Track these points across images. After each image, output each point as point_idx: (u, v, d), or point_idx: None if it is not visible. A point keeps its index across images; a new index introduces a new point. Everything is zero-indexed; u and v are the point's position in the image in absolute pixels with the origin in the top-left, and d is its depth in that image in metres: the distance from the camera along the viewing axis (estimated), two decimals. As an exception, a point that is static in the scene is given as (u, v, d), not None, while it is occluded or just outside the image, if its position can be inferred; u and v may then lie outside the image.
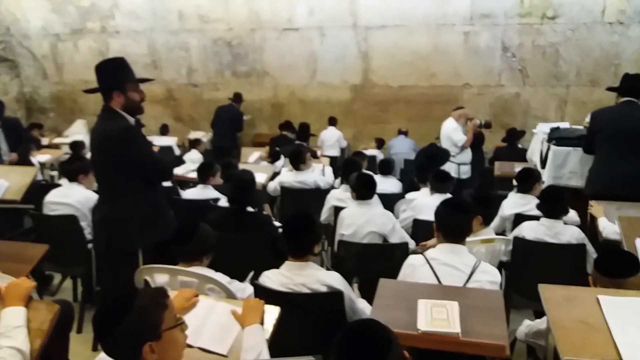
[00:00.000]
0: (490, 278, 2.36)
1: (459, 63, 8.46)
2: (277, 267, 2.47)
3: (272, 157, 6.57)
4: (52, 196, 3.94)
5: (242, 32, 9.03)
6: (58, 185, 4.36)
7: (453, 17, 8.18)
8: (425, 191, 4.37)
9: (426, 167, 4.63)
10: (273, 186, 5.25)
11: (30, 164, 5.94)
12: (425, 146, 6.72)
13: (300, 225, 2.42)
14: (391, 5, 8.27)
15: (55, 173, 7.02)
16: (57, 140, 8.98)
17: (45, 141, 8.73)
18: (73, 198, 3.86)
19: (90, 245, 3.73)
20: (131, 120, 2.90)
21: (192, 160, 6.92)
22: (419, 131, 8.54)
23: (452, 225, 2.49)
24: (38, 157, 6.81)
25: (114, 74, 2.86)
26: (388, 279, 2.34)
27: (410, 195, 4.56)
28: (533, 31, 7.99)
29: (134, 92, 2.88)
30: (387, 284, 2.29)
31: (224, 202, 4.07)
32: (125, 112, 2.86)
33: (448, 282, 2.35)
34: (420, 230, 3.68)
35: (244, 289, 2.51)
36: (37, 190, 4.60)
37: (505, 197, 4.13)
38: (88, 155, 5.14)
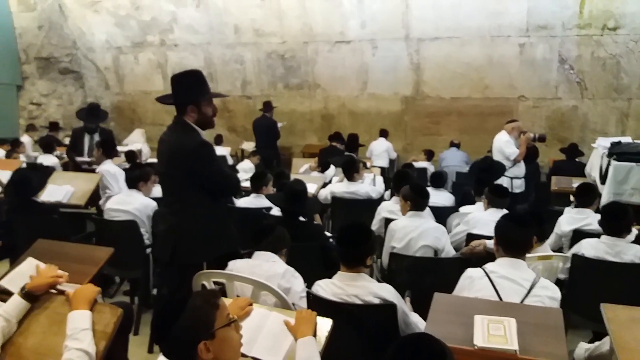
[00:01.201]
0: (550, 294, 2.30)
1: (514, 75, 8.29)
2: (328, 277, 2.47)
3: (322, 167, 6.61)
4: (112, 203, 4.10)
5: (295, 45, 9.17)
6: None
7: (508, 29, 8.02)
8: (479, 205, 4.28)
9: (484, 181, 4.52)
10: (324, 194, 5.26)
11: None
12: (480, 159, 6.61)
13: (356, 235, 2.43)
14: (444, 17, 8.19)
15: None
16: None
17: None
18: (132, 205, 3.99)
19: (148, 251, 3.86)
20: (203, 134, 2.89)
21: (245, 170, 7.08)
22: (471, 144, 8.42)
23: (512, 239, 2.46)
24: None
25: (192, 88, 2.83)
26: (443, 294, 2.31)
27: (464, 209, 4.49)
28: (592, 43, 7.72)
29: (208, 107, 2.86)
30: (442, 299, 2.26)
31: (276, 211, 4.13)
32: (197, 125, 2.85)
33: (506, 295, 2.30)
34: (474, 245, 3.62)
35: (304, 290, 2.53)
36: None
37: (561, 213, 4.01)
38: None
